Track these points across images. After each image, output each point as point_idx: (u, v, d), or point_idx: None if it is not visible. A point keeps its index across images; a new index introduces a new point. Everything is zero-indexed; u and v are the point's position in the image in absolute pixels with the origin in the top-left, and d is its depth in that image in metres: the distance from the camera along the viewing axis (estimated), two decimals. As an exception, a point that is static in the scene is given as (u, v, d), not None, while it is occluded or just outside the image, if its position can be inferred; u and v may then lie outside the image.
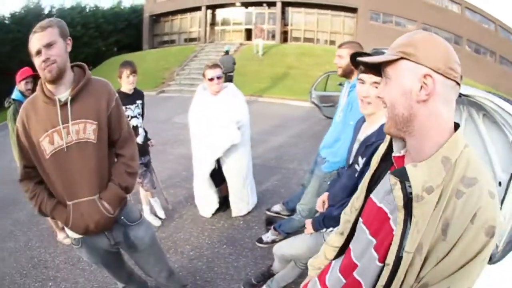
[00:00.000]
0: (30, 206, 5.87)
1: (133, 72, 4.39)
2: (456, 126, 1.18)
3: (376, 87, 2.18)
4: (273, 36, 28.15)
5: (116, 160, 2.48)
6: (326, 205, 2.95)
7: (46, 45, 2.05)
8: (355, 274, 1.43)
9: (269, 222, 4.75)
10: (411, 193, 1.13)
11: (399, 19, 26.67)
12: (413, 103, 1.15)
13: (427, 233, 1.10)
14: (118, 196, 2.38)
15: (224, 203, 5.09)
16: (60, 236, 4.88)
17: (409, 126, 1.18)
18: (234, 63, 15.84)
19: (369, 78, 2.23)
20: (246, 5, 29.32)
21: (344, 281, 1.52)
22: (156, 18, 33.96)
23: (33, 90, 4.63)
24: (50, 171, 2.22)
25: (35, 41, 2.08)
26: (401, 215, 1.17)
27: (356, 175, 2.40)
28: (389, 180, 1.24)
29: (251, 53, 23.19)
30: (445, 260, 1.09)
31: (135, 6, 37.91)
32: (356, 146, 2.59)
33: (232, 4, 29.29)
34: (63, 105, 2.16)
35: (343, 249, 1.68)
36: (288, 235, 4.16)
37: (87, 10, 33.62)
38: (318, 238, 2.82)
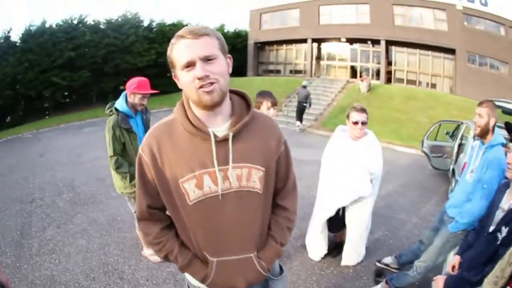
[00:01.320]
0: (113, 209, 6.03)
1: (274, 104, 4.13)
2: None
3: None
4: (378, 76, 27.86)
5: (275, 212, 2.03)
6: (457, 268, 3.00)
7: (204, 58, 1.54)
8: None
9: (379, 274, 4.69)
10: None
11: (493, 61, 25.33)
12: None
13: None
14: (278, 254, 1.99)
15: (334, 249, 5.06)
16: (147, 251, 4.76)
17: None
18: (308, 95, 18.01)
19: None
20: (351, 41, 29.28)
21: None
22: (261, 46, 34.80)
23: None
24: (190, 219, 1.78)
25: (186, 49, 1.55)
26: None
27: (498, 243, 2.44)
28: None
29: (358, 93, 23.20)
30: None
31: (239, 31, 38.81)
32: (498, 213, 2.66)
33: (338, 39, 29.38)
34: (221, 141, 1.68)
35: None
36: (398, 290, 4.15)
37: None
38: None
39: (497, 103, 6.79)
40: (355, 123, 4.29)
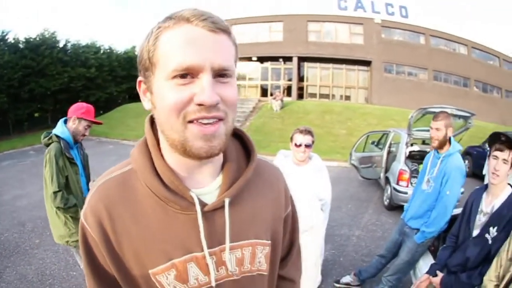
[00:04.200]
0: (39, 261, 5.65)
1: None
2: None
3: (504, 163, 2.67)
4: (289, 93, 28.13)
5: (279, 286, 1.43)
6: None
7: (219, 71, 0.92)
8: None
9: None
10: None
11: (411, 68, 27.38)
12: None
13: None
14: None
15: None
16: None
17: None
18: None
19: (501, 155, 2.68)
20: (262, 60, 29.46)
21: None
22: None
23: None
24: None
25: (191, 44, 0.89)
26: None
27: (490, 242, 2.67)
28: None
29: (271, 111, 23.15)
30: None
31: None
32: (480, 217, 2.89)
33: (248, 59, 29.40)
34: (211, 211, 1.05)
35: None
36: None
37: (102, 52, 33.05)
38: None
39: (432, 110, 6.98)
40: (298, 145, 3.88)
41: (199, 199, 1.02)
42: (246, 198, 1.13)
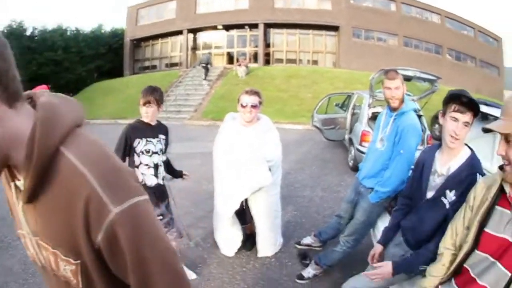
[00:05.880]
0: (19, 251, 5.39)
1: (146, 102, 3.54)
2: None
3: (466, 126, 2.40)
4: (256, 59, 28.02)
5: None
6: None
7: None
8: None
9: (303, 256, 4.50)
10: None
11: (381, 34, 27.60)
12: None
13: None
14: None
15: (247, 241, 4.70)
16: None
17: None
18: (209, 58, 23.18)
19: (462, 117, 2.39)
20: (227, 28, 29.20)
21: None
22: (137, 43, 33.66)
23: None
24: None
25: None
26: None
27: (447, 207, 2.46)
28: None
29: (236, 78, 22.84)
30: None
31: (115, 30, 37.13)
32: (434, 178, 2.64)
33: (214, 28, 29.17)
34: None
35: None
36: (329, 267, 4.07)
37: (68, 33, 33.09)
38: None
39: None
40: (244, 106, 4.03)
41: (16, 186, 1.05)
42: (41, 202, 1.01)
